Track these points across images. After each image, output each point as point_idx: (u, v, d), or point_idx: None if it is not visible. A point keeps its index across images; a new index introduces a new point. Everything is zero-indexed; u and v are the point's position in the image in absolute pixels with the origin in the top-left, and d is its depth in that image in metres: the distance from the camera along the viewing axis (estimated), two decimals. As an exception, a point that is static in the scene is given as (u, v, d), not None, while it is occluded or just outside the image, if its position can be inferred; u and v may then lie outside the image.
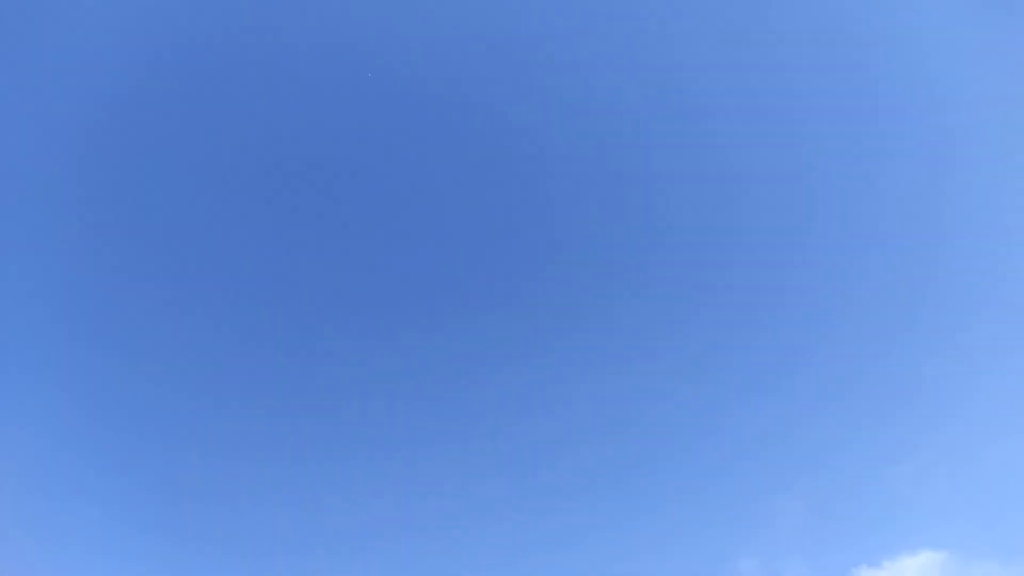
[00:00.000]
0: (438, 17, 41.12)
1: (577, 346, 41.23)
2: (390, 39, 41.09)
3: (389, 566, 37.20)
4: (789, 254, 40.66)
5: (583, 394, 40.44)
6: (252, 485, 38.40)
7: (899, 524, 35.91)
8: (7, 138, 38.00)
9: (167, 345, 39.98)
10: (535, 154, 42.36)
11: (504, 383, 40.85)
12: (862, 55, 39.76)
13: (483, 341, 41.93)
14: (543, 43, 41.22)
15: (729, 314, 40.66)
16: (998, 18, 37.15)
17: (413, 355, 41.68)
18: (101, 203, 40.27)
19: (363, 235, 42.37)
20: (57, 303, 38.63)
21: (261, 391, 40.23)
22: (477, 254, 42.61)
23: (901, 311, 38.55)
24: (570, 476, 38.92)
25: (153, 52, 39.87)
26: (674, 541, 37.41)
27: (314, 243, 41.96)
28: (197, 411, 39.17)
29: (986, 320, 36.53)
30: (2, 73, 37.56)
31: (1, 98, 37.95)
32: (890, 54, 39.71)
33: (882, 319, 38.67)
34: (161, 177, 40.66)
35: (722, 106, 40.97)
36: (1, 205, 38.08)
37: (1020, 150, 37.61)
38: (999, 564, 33.04)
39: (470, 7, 41.72)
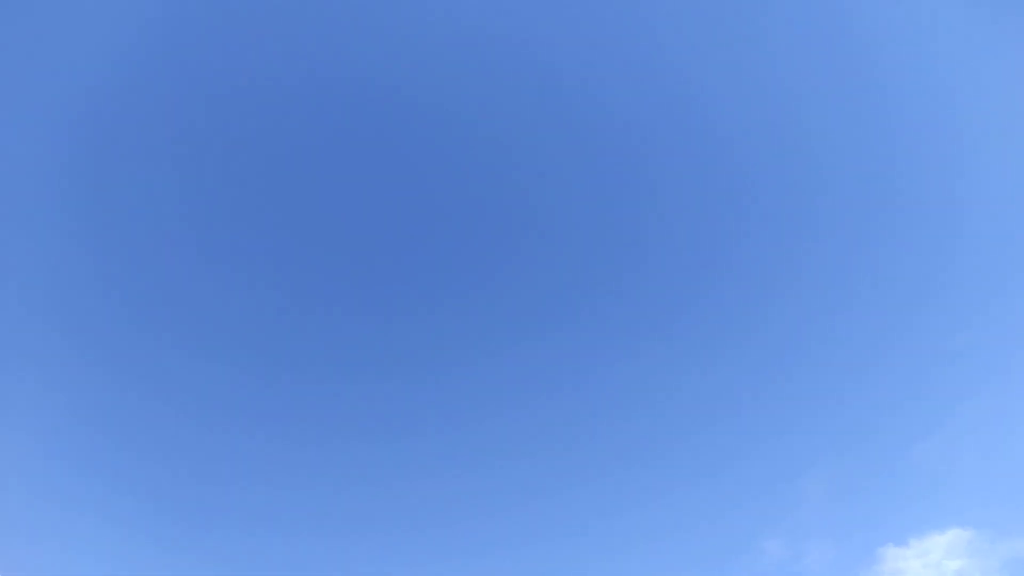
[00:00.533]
0: (430, 15, 40.97)
1: (600, 327, 41.16)
2: (387, 39, 41.04)
3: (399, 553, 36.67)
4: (811, 235, 40.81)
5: (607, 376, 40.48)
6: (251, 480, 37.83)
7: (926, 502, 35.97)
8: (7, 138, 37.07)
9: (166, 342, 39.23)
10: (539, 151, 42.33)
11: (523, 365, 40.58)
12: (862, 55, 40.60)
13: (495, 326, 41.78)
14: (539, 41, 41.32)
15: (752, 294, 40.87)
16: (998, 18, 37.80)
17: (415, 342, 41.49)
18: (101, 203, 39.38)
19: (364, 227, 42.07)
20: (56, 304, 37.84)
21: (261, 391, 39.53)
22: (477, 242, 42.33)
23: (926, 286, 38.99)
24: (596, 458, 38.81)
25: (153, 52, 39.24)
26: (699, 522, 37.53)
27: (310, 233, 41.61)
28: (197, 410, 38.50)
29: (1012, 295, 36.69)
30: (2, 73, 36.62)
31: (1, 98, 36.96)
32: (890, 54, 40.51)
33: (907, 294, 38.89)
34: (158, 176, 40.07)
35: (724, 102, 41.39)
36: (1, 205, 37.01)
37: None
38: (1028, 541, 32.92)
39: (466, 6, 41.49)
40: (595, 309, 40.89)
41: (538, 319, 40.90)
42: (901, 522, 35.62)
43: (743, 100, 40.54)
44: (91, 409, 37.08)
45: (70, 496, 34.98)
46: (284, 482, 37.85)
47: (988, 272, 37.43)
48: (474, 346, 40.68)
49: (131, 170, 39.37)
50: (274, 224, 40.96)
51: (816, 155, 40.42)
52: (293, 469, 38.14)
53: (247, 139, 40.55)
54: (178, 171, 40.00)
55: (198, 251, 40.20)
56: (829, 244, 39.78)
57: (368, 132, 41.44)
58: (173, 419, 37.84)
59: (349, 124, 41.46)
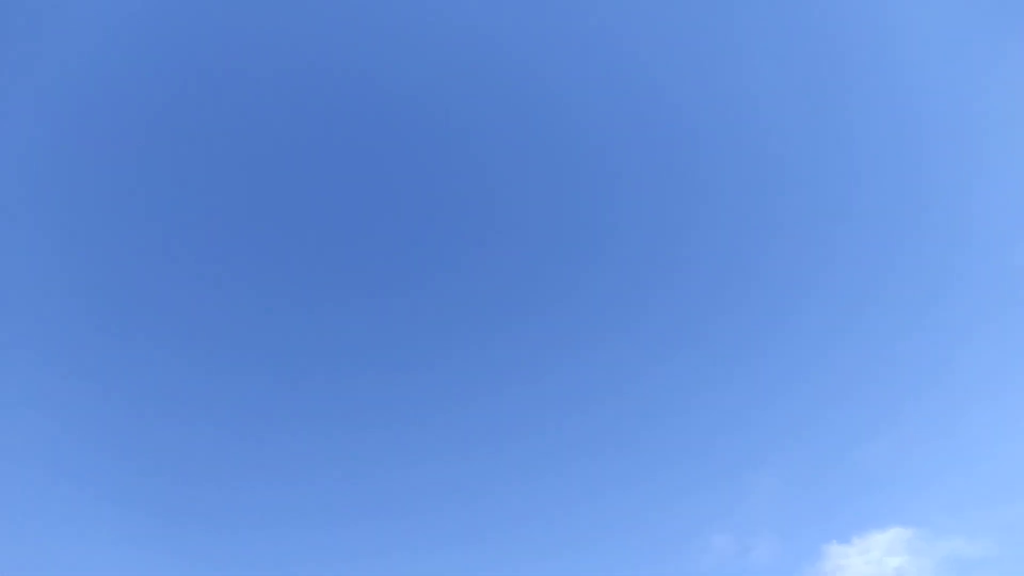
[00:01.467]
0: (424, 17, 41.63)
1: (552, 324, 41.73)
2: (383, 39, 41.62)
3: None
4: (769, 234, 41.30)
5: (558, 371, 40.91)
6: (238, 474, 38.87)
7: (869, 501, 36.68)
8: (7, 138, 38.30)
9: (166, 339, 40.42)
10: (518, 149, 43.05)
11: (478, 358, 41.48)
12: (863, 54, 40.23)
13: (453, 327, 42.41)
14: (534, 41, 41.62)
15: (702, 294, 41.31)
16: (999, 18, 37.60)
17: (398, 335, 42.26)
18: (101, 201, 40.57)
19: (361, 226, 42.85)
20: (59, 296, 38.95)
21: (262, 390, 40.75)
22: (458, 239, 43.03)
23: (873, 290, 39.16)
24: (543, 452, 39.43)
25: (152, 51, 40.19)
26: (648, 516, 38.11)
27: (307, 236, 42.62)
28: (189, 415, 39.51)
29: (957, 300, 37.26)
30: (2, 73, 37.62)
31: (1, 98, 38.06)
32: (892, 53, 39.98)
33: (854, 298, 39.40)
34: (156, 176, 41.16)
35: (724, 103, 41.61)
36: (3, 204, 38.38)
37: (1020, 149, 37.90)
38: (964, 540, 33.73)
39: (462, 8, 42.09)
40: (549, 306, 41.64)
41: (492, 317, 41.60)
42: (845, 519, 36.37)
43: (737, 100, 40.97)
44: (89, 407, 38.32)
45: (71, 495, 36.20)
46: (272, 475, 39.03)
47: (935, 277, 37.81)
48: (431, 347, 41.52)
49: (124, 169, 40.59)
50: (262, 221, 42.06)
51: (787, 153, 40.86)
52: (283, 462, 39.33)
53: (234, 138, 41.65)
54: (167, 169, 41.08)
55: (189, 249, 41.33)
56: (785, 243, 40.26)
57: (352, 132, 42.23)
58: (166, 414, 39.14)
59: (333, 123, 42.31)
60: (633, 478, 38.68)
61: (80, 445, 37.29)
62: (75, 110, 39.25)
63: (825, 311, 39.72)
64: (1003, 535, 32.77)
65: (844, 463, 37.22)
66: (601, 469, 38.91)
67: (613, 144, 42.51)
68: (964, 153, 38.37)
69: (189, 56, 40.32)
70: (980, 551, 33.24)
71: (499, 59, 41.93)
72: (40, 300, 38.48)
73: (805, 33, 40.45)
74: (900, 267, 38.80)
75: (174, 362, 39.73)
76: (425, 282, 42.50)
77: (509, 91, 42.42)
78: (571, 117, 42.40)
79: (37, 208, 39.08)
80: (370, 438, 40.31)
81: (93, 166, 40.09)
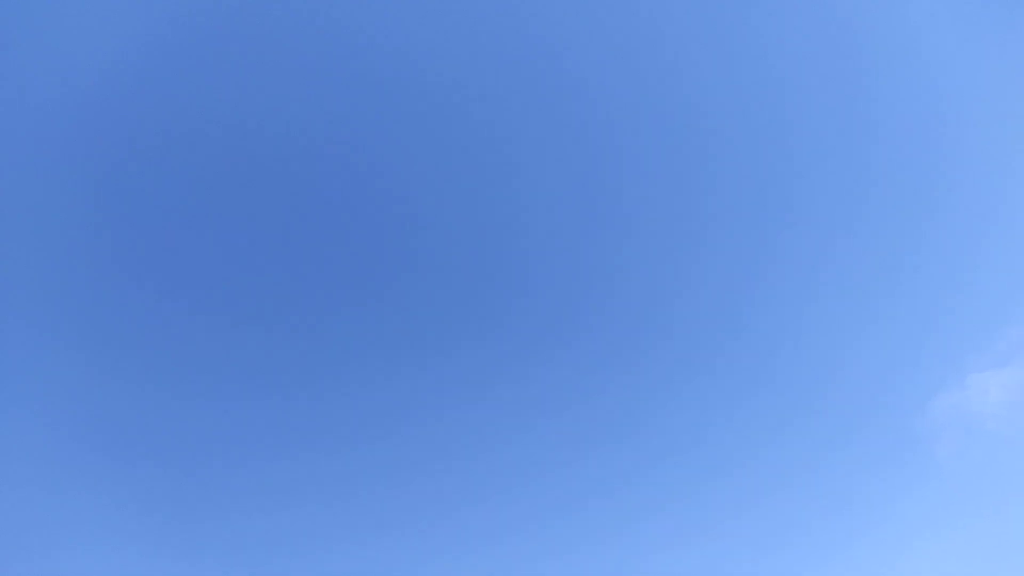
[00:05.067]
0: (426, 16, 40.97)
1: (559, 365, 40.90)
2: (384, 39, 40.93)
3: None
4: (786, 231, 40.89)
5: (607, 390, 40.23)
6: (257, 484, 38.29)
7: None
8: (7, 138, 37.74)
9: (165, 344, 39.69)
10: (524, 153, 42.00)
11: (515, 388, 40.83)
12: (863, 54, 40.01)
13: (463, 328, 41.91)
14: (535, 43, 40.91)
15: (731, 296, 40.87)
16: (999, 18, 37.94)
17: (399, 340, 41.66)
18: (102, 202, 39.82)
19: (360, 232, 42.26)
20: (58, 301, 38.36)
21: (263, 391, 39.98)
22: (461, 245, 42.33)
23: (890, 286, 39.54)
24: (580, 480, 39.11)
25: (152, 52, 39.35)
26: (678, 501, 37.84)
27: (307, 239, 41.91)
28: (198, 408, 38.98)
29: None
30: (2, 73, 37.37)
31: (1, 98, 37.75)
32: (892, 53, 39.97)
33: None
34: (155, 176, 40.25)
35: (723, 103, 40.94)
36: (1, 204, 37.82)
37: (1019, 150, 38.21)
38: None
39: (463, 7, 41.32)
40: (590, 315, 41.06)
41: (509, 310, 41.36)
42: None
43: (736, 99, 40.33)
44: (89, 408, 37.77)
45: (69, 494, 35.73)
46: (273, 478, 38.32)
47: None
48: (442, 343, 41.19)
49: (124, 170, 39.94)
50: (260, 224, 41.29)
51: (800, 151, 40.52)
52: (286, 465, 38.68)
53: (247, 137, 40.91)
54: (166, 170, 40.29)
55: (189, 251, 40.60)
56: (811, 238, 40.00)
57: (356, 132, 41.85)
58: (164, 423, 38.39)
59: (336, 124, 41.88)
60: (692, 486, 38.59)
61: (78, 444, 37.09)
62: (75, 110, 38.80)
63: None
64: None
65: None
66: (627, 455, 39.02)
67: (624, 141, 41.89)
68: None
69: (190, 56, 40.05)
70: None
71: (514, 58, 41.53)
72: (37, 302, 38.20)
73: (805, 32, 40.32)
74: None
75: (172, 364, 39.36)
76: (429, 280, 41.99)
77: (516, 92, 41.86)
78: (582, 115, 41.78)
79: (36, 208, 38.52)
80: (375, 441, 40.05)
81: (93, 166, 39.63)
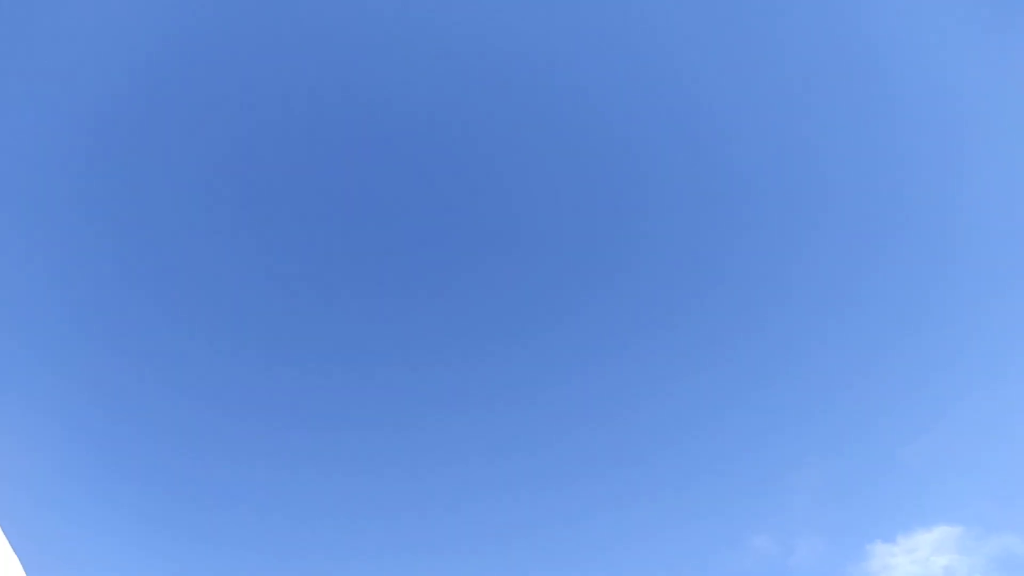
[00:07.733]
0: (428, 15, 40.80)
1: (592, 327, 41.25)
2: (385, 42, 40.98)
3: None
4: (806, 236, 40.72)
5: (598, 376, 40.65)
6: (259, 486, 38.46)
7: (914, 499, 36.29)
8: (7, 138, 37.63)
9: (169, 346, 39.83)
10: (534, 152, 42.36)
11: (515, 363, 41.05)
12: (863, 55, 40.01)
13: (491, 323, 41.96)
14: (537, 41, 41.05)
15: (744, 294, 40.79)
16: (999, 18, 37.72)
17: (413, 337, 41.87)
18: (104, 202, 39.99)
19: (367, 225, 42.35)
20: (64, 303, 38.50)
21: (265, 392, 40.21)
22: (475, 241, 42.54)
23: (919, 288, 38.78)
24: (588, 456, 38.98)
25: (152, 51, 39.47)
26: (689, 518, 37.81)
27: (312, 241, 42.13)
28: (199, 411, 39.05)
29: (1004, 298, 37.04)
30: (2, 73, 37.03)
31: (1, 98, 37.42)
32: (891, 53, 39.73)
33: (900, 296, 39.07)
34: (156, 177, 40.36)
35: (724, 103, 40.98)
36: (3, 205, 37.78)
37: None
38: (1015, 537, 33.45)
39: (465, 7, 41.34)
40: (588, 308, 41.14)
41: (531, 318, 41.34)
42: (890, 519, 35.94)
43: (741, 100, 40.26)
44: (95, 403, 37.94)
45: (73, 491, 35.77)
46: (284, 476, 38.69)
47: (981, 276, 37.25)
48: (468, 343, 41.14)
49: (133, 165, 39.88)
50: (279, 221, 41.47)
51: (815, 156, 40.60)
52: (298, 463, 38.97)
53: (253, 136, 41.00)
54: (182, 168, 40.38)
55: (206, 247, 40.78)
56: (823, 245, 39.72)
57: (369, 136, 41.78)
58: (177, 411, 38.52)
59: (351, 126, 41.87)
60: (673, 482, 38.33)
61: (85, 440, 37.33)
62: (74, 110, 38.63)
63: (866, 314, 39.38)
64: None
65: (889, 460, 36.92)
66: (641, 473, 38.72)
67: (640, 142, 42.09)
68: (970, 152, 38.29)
69: (191, 56, 39.95)
70: (1033, 547, 32.96)
71: (522, 58, 41.46)
72: (44, 298, 38.20)
73: (803, 33, 40.16)
74: (944, 270, 38.58)
75: (184, 358, 39.44)
76: (452, 283, 42.02)
77: (529, 92, 42.12)
78: (594, 117, 42.08)
79: (37, 208, 38.62)
80: (393, 439, 40.12)
81: (98, 163, 39.69)
